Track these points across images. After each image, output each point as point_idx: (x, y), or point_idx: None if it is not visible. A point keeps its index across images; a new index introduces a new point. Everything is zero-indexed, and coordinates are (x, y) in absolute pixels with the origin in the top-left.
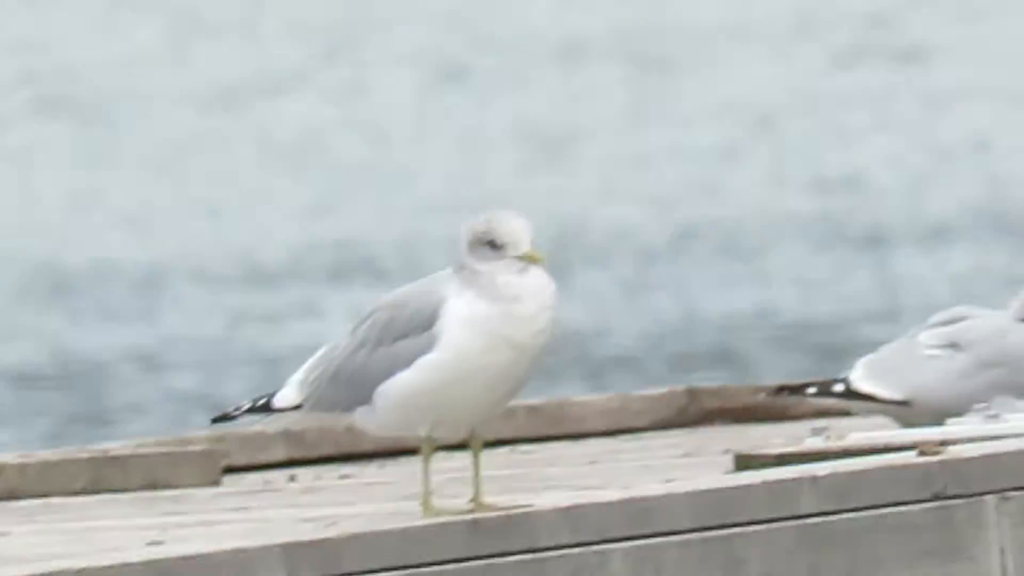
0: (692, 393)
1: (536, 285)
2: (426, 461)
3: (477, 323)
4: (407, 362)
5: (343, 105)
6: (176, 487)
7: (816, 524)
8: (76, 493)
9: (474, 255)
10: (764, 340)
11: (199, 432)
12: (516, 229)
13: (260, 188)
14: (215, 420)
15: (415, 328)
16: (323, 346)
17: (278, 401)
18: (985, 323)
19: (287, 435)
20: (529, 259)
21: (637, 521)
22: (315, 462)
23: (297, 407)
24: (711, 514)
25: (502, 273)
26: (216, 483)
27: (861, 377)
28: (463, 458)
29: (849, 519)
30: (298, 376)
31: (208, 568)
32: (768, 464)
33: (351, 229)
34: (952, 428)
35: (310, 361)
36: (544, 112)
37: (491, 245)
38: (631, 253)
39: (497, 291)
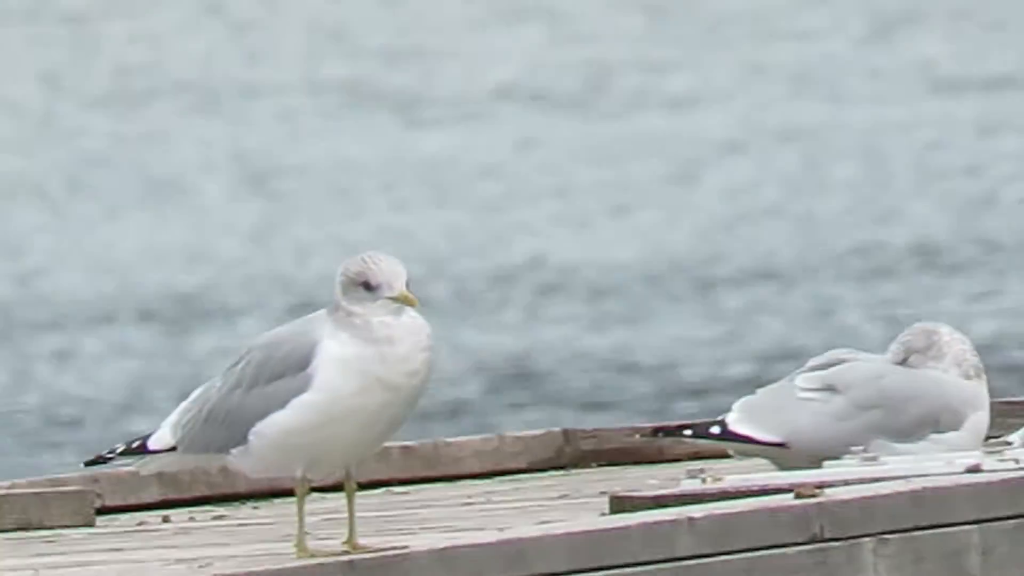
0: (568, 435)
1: (411, 326)
2: (301, 502)
3: (351, 364)
4: (282, 403)
5: None
6: (49, 527)
7: (693, 566)
8: None
9: (348, 296)
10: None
11: (72, 473)
12: (390, 271)
13: None
14: (89, 463)
15: (290, 369)
16: (198, 388)
17: (153, 443)
18: (861, 366)
19: (161, 476)
20: (404, 301)
21: (513, 563)
22: (189, 503)
23: (172, 448)
24: (587, 556)
25: (376, 314)
26: (89, 524)
27: (737, 419)
28: (337, 499)
29: (725, 561)
30: (173, 418)
31: None
32: (644, 506)
33: None
34: (829, 471)
35: (185, 403)
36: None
37: (365, 286)
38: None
39: (371, 332)
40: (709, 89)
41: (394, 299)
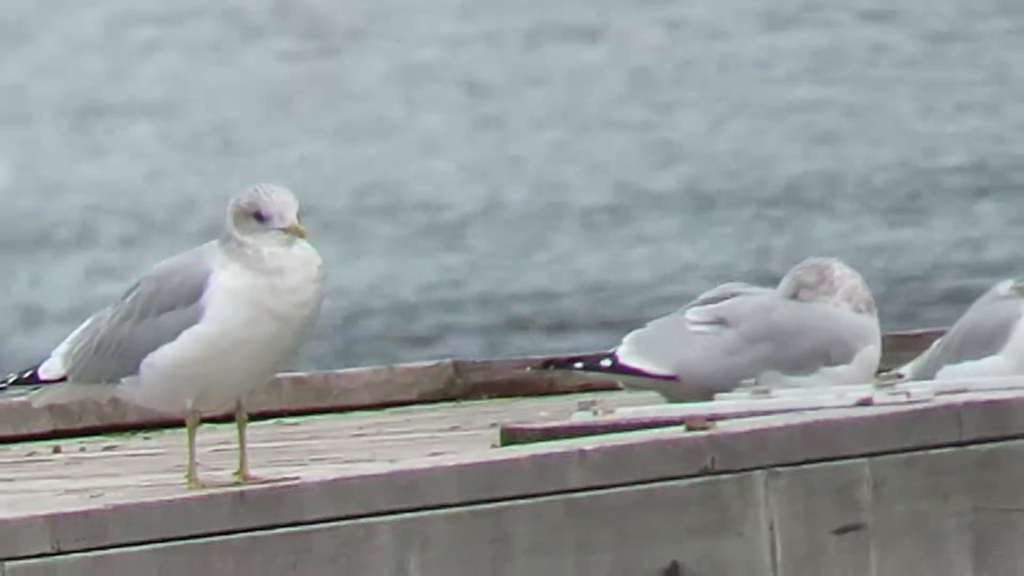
0: (459, 367)
1: (302, 258)
2: (191, 433)
3: (241, 295)
4: (172, 334)
5: None
6: None
7: (584, 499)
8: None
9: (240, 227)
10: None
11: None
12: (281, 202)
13: None
14: None
15: (180, 300)
16: (88, 318)
17: (43, 372)
18: (752, 300)
19: (51, 407)
20: (294, 232)
21: (404, 495)
22: (79, 434)
23: (63, 379)
24: (478, 488)
25: (267, 245)
26: None
27: (628, 352)
28: (228, 431)
29: (617, 493)
30: (63, 347)
31: None
32: (535, 438)
33: None
34: (720, 403)
35: (76, 332)
36: None
37: (257, 217)
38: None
39: (262, 263)
40: None
41: (284, 230)
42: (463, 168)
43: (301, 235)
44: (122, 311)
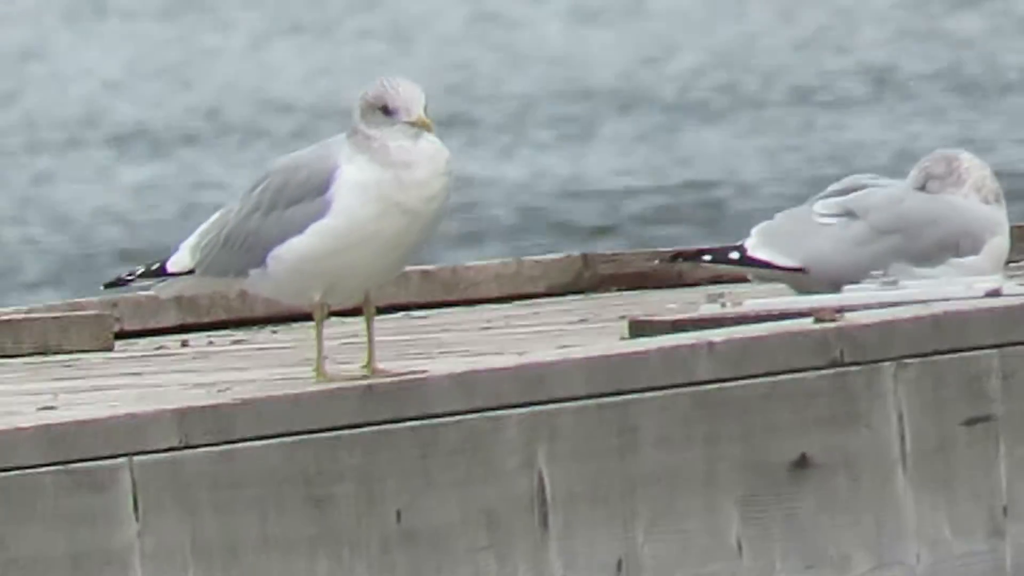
0: (587, 259)
1: (429, 151)
2: (319, 326)
3: (369, 189)
4: (300, 227)
5: None
6: (68, 352)
7: (711, 391)
8: None
9: (367, 120)
10: None
11: (91, 298)
12: (409, 95)
13: None
14: (108, 285)
15: (308, 193)
16: (218, 210)
17: (171, 265)
18: (881, 191)
19: (179, 300)
20: (420, 125)
21: (531, 387)
22: (207, 327)
23: (190, 271)
24: (606, 380)
25: (394, 139)
26: (108, 348)
27: (756, 244)
28: (356, 324)
29: (745, 386)
30: (191, 240)
31: (101, 433)
32: (663, 331)
33: None
34: (849, 295)
35: (204, 225)
36: None
37: (384, 111)
38: None
39: (389, 157)
40: None
41: (411, 123)
42: None
43: (428, 128)
44: (250, 204)
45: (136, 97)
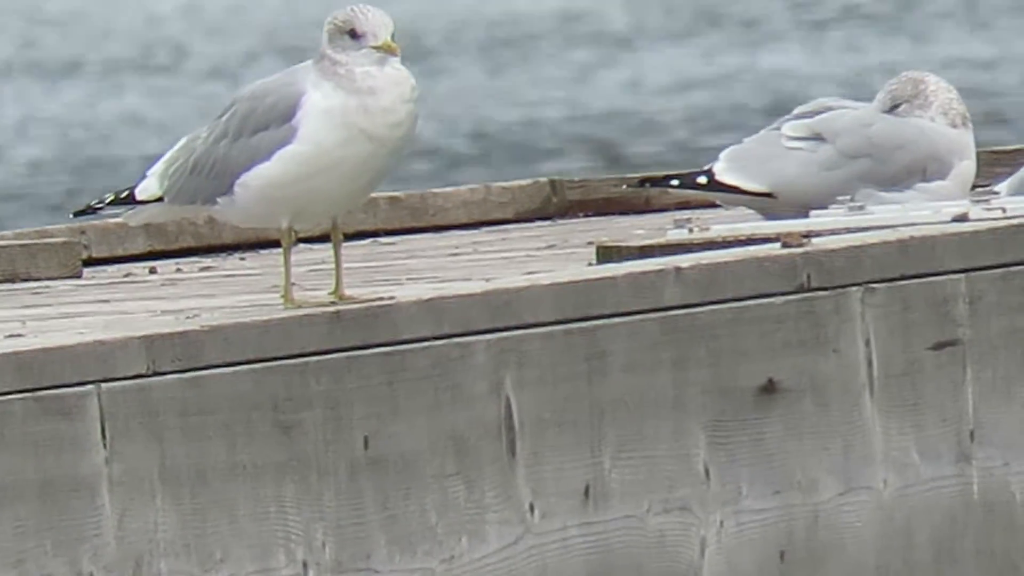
0: (555, 184)
1: (395, 77)
2: (286, 253)
3: (335, 116)
4: (267, 154)
5: None
6: (36, 279)
7: (680, 316)
8: None
9: (334, 45)
10: None
11: (59, 225)
12: (376, 20)
13: None
14: (77, 213)
15: (274, 120)
16: (183, 138)
17: (139, 193)
18: (849, 114)
19: (147, 227)
20: (386, 50)
21: (500, 313)
22: (176, 254)
23: (159, 199)
24: (574, 306)
25: (360, 64)
26: (76, 275)
27: (724, 169)
28: (324, 250)
29: (712, 311)
30: (159, 167)
31: (69, 360)
32: (631, 256)
33: None
34: (816, 219)
35: (170, 152)
36: None
37: (351, 35)
38: None
39: (354, 83)
40: None
41: (377, 48)
42: None
43: (393, 52)
44: (216, 131)
45: None
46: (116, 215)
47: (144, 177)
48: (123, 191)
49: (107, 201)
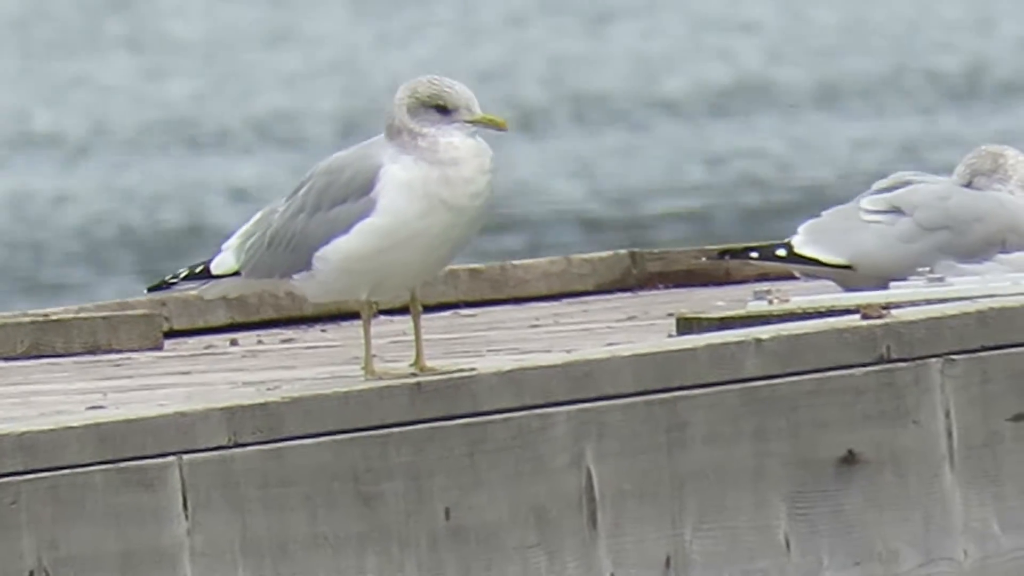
0: (635, 256)
1: (475, 148)
2: (367, 324)
3: (415, 187)
4: (345, 227)
5: None
6: (117, 351)
7: (759, 387)
8: (17, 357)
9: (418, 119)
10: None
11: (140, 297)
12: (466, 94)
13: None
14: (151, 289)
15: (353, 193)
16: (258, 211)
17: (215, 267)
18: (927, 188)
19: (228, 299)
20: (489, 123)
21: (580, 384)
22: (257, 326)
23: (235, 273)
24: (654, 377)
25: (445, 136)
26: (157, 347)
27: (803, 241)
28: (405, 322)
29: (792, 382)
30: (234, 241)
31: (150, 431)
32: (711, 327)
33: None
34: (895, 291)
35: (246, 226)
36: None
37: (439, 109)
38: None
39: (436, 154)
40: None
41: (475, 121)
42: None
43: (500, 126)
44: (294, 206)
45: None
46: (191, 289)
47: (219, 251)
48: (197, 265)
49: (182, 276)
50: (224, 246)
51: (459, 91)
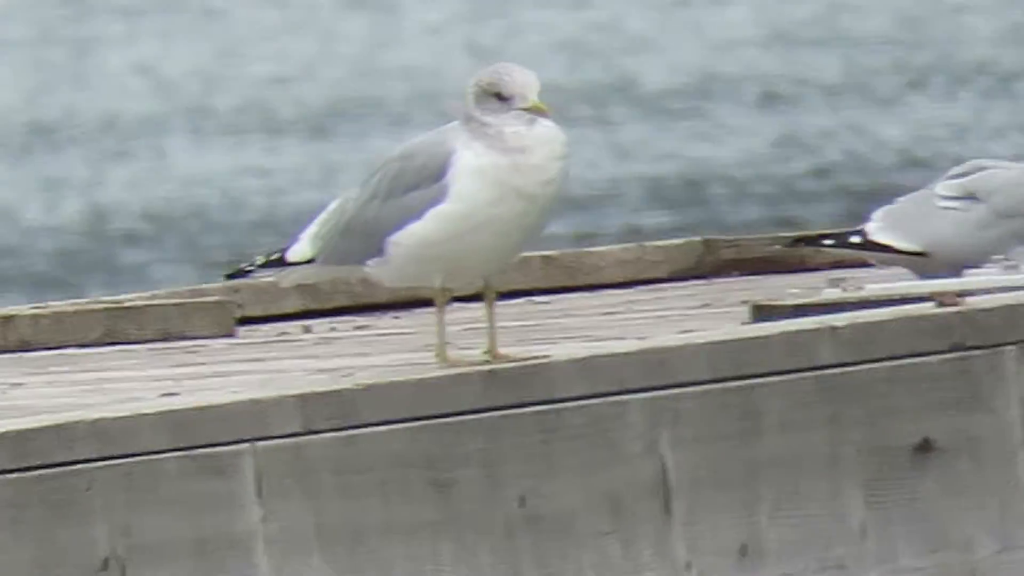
0: (709, 244)
1: (545, 135)
2: (440, 311)
3: (487, 174)
4: (418, 213)
5: None
6: (190, 338)
7: (834, 375)
8: (90, 344)
9: (481, 107)
10: None
11: (213, 284)
12: (522, 81)
13: None
14: (229, 276)
15: (425, 179)
16: (334, 200)
17: (291, 255)
18: (1003, 174)
19: (302, 286)
20: (536, 110)
21: (654, 372)
22: (330, 313)
23: (310, 260)
24: (729, 364)
25: (509, 125)
26: (230, 334)
27: (878, 228)
28: (478, 309)
29: (867, 370)
30: (311, 230)
31: (223, 419)
32: (785, 314)
33: None
34: (970, 279)
35: (322, 215)
36: None
37: (498, 97)
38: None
39: (505, 142)
40: None
41: (526, 109)
42: None
43: (543, 113)
44: (367, 192)
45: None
46: (267, 277)
47: (296, 239)
48: (273, 253)
49: (258, 263)
50: (300, 235)
51: (516, 79)
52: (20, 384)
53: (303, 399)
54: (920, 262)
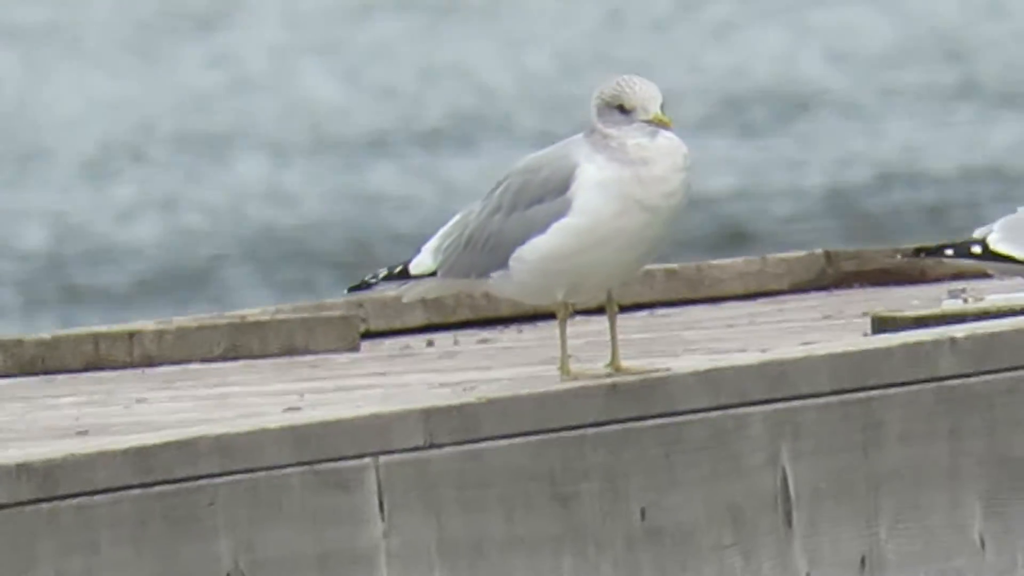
0: (830, 256)
1: (667, 147)
2: (563, 325)
3: (610, 187)
4: (542, 226)
5: None
6: (314, 352)
7: (955, 386)
8: (214, 359)
9: (603, 119)
10: None
11: (337, 299)
12: (644, 93)
13: None
14: (352, 289)
15: (549, 193)
16: (457, 213)
17: (414, 268)
18: None
19: (425, 300)
20: (658, 123)
21: (776, 384)
22: (453, 327)
23: (433, 274)
24: (850, 376)
25: (632, 137)
26: (354, 348)
27: (999, 239)
28: (600, 322)
29: (988, 381)
30: (433, 243)
31: (346, 433)
32: (906, 326)
33: None
34: None
35: (444, 228)
36: None
37: (620, 109)
38: None
39: (627, 155)
40: None
41: (648, 121)
42: None
43: (666, 126)
44: (491, 205)
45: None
46: (388, 291)
47: (418, 252)
48: (396, 266)
49: (381, 277)
50: (423, 247)
51: (637, 91)
52: (144, 399)
53: (426, 413)
54: None
